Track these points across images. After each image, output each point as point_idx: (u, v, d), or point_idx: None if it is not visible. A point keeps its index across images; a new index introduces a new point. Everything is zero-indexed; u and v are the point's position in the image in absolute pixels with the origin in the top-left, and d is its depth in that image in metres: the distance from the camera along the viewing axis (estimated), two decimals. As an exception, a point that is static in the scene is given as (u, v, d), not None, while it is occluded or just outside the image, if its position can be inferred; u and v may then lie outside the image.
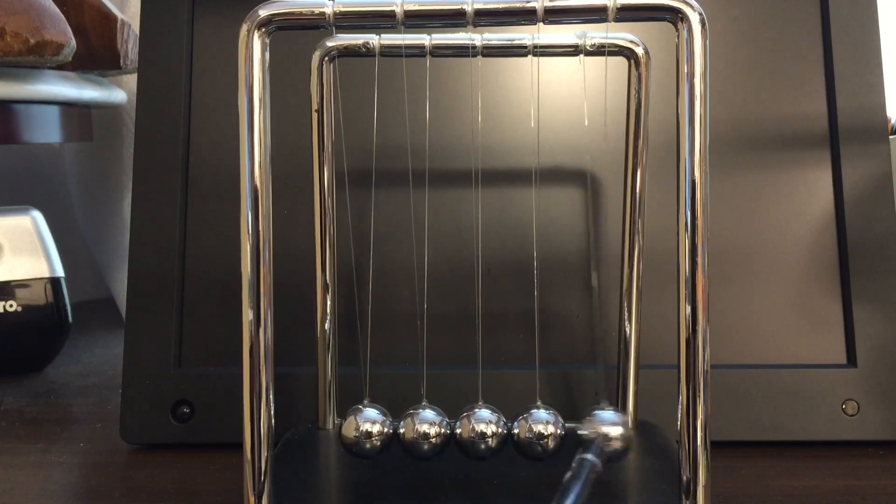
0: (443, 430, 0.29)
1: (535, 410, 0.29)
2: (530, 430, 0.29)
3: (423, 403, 0.30)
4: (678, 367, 0.26)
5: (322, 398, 0.35)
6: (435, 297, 0.39)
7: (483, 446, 0.29)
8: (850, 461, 0.36)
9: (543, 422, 0.29)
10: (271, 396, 0.26)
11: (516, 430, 0.29)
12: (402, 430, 0.29)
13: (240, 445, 0.26)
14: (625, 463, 0.31)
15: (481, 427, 0.29)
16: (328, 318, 0.35)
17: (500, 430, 0.29)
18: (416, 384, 0.38)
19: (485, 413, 0.29)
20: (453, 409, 0.30)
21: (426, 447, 0.29)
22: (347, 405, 0.30)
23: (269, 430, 0.26)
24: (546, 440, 0.29)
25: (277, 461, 0.31)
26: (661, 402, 0.37)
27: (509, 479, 0.30)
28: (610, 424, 0.29)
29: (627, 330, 0.34)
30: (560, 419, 0.29)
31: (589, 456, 0.28)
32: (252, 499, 0.26)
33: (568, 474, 0.27)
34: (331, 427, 0.35)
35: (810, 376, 0.38)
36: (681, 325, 0.25)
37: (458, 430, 0.29)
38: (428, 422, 0.29)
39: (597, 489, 0.29)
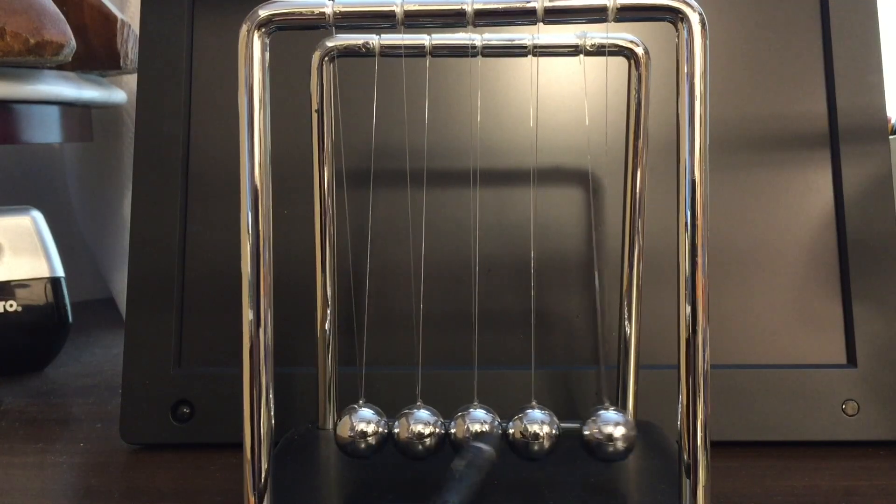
0: (437, 430, 0.29)
1: (531, 410, 0.29)
2: (525, 430, 0.29)
3: (419, 403, 0.30)
4: (678, 367, 0.26)
5: (322, 398, 0.35)
6: (435, 297, 0.39)
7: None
8: (850, 461, 0.36)
9: (538, 422, 0.29)
10: (271, 396, 0.26)
11: (511, 430, 0.29)
12: (396, 430, 0.29)
13: (240, 445, 0.26)
14: (625, 463, 0.31)
15: (476, 427, 0.29)
16: (328, 318, 0.35)
17: (494, 430, 0.29)
18: (416, 383, 0.38)
19: (479, 413, 0.29)
20: (454, 409, 0.30)
21: (420, 447, 0.29)
22: (347, 405, 0.30)
23: (269, 430, 0.26)
24: (541, 440, 0.29)
25: (277, 461, 0.31)
26: (661, 402, 0.37)
27: (507, 480, 0.30)
28: (613, 425, 0.29)
29: (627, 330, 0.34)
30: (555, 419, 0.29)
31: (483, 445, 0.28)
32: (252, 499, 0.26)
33: (460, 462, 0.27)
34: (331, 427, 0.35)
35: (810, 376, 0.38)
36: (681, 325, 0.25)
37: (453, 430, 0.29)
38: (422, 422, 0.29)
39: (595, 489, 0.29)
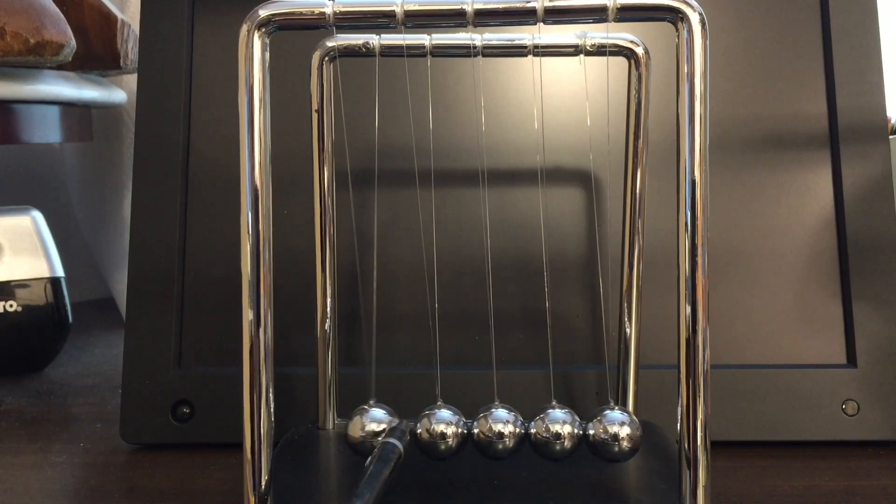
0: (460, 430, 0.29)
1: (552, 410, 0.29)
2: (547, 429, 0.29)
3: (439, 403, 0.30)
4: (678, 367, 0.26)
5: (322, 398, 0.35)
6: (439, 296, 0.39)
7: (500, 446, 0.29)
8: (850, 461, 0.36)
9: (560, 421, 0.29)
10: (271, 396, 0.26)
11: (533, 430, 0.29)
12: (418, 431, 0.29)
13: (240, 445, 0.26)
14: (625, 463, 0.31)
15: (499, 427, 0.29)
16: (328, 318, 0.35)
17: (517, 429, 0.29)
18: (418, 383, 0.38)
19: (502, 413, 0.29)
20: (462, 408, 0.30)
21: (443, 447, 0.29)
22: (348, 405, 0.30)
23: (269, 430, 0.26)
24: (563, 440, 0.29)
25: (277, 461, 0.31)
26: (661, 402, 0.37)
27: (508, 480, 0.30)
28: (619, 424, 0.29)
29: (627, 330, 0.34)
30: (577, 418, 0.29)
31: (391, 439, 0.28)
32: (252, 499, 0.26)
33: (370, 459, 0.27)
34: (331, 427, 0.35)
35: (810, 376, 0.38)
36: (681, 325, 0.25)
37: (476, 430, 0.29)
38: (445, 422, 0.29)
39: (596, 489, 0.29)
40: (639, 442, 0.29)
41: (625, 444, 0.29)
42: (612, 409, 0.29)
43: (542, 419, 0.29)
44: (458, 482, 0.30)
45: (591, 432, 0.29)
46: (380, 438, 0.29)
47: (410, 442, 0.29)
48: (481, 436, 0.29)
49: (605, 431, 0.29)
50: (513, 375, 0.38)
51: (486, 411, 0.29)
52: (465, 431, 0.29)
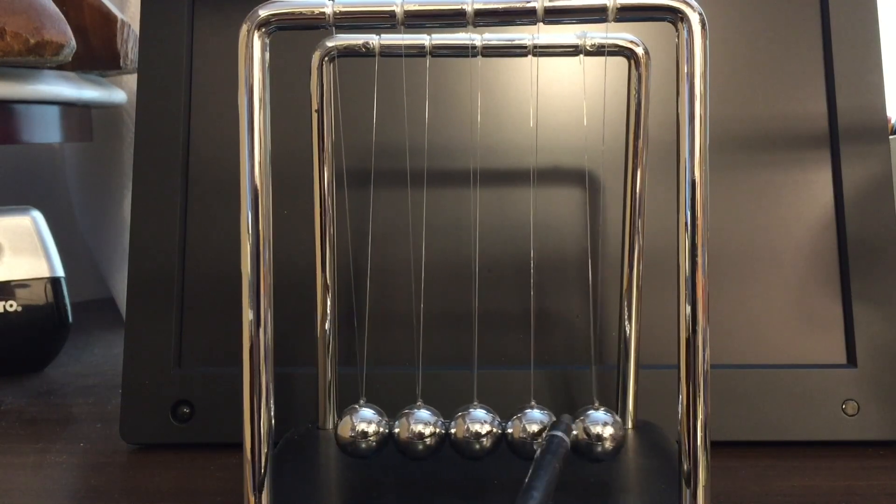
0: (437, 430, 0.29)
1: (529, 410, 0.29)
2: (524, 429, 0.29)
3: (419, 403, 0.30)
4: (678, 367, 0.26)
5: (322, 398, 0.35)
6: (435, 297, 0.39)
7: (477, 446, 0.29)
8: (850, 461, 0.36)
9: (537, 421, 0.29)
10: (271, 396, 0.26)
11: (510, 430, 0.29)
12: (396, 430, 0.29)
13: (240, 445, 0.26)
14: (625, 463, 0.31)
15: (476, 427, 0.29)
16: (328, 318, 0.35)
17: (494, 429, 0.29)
18: (412, 383, 0.38)
19: (479, 413, 0.29)
20: (454, 408, 0.30)
21: (421, 447, 0.29)
22: (348, 405, 0.30)
23: (269, 430, 0.26)
24: (540, 439, 0.29)
25: (277, 461, 0.32)
26: (661, 402, 0.37)
27: (506, 479, 0.30)
28: (601, 425, 0.29)
29: (627, 330, 0.34)
30: (553, 419, 0.29)
31: (558, 432, 0.28)
32: (252, 499, 0.26)
33: (538, 451, 0.27)
34: (331, 427, 0.35)
35: (810, 376, 0.38)
36: (681, 325, 0.25)
37: (453, 430, 0.29)
38: (423, 422, 0.29)
39: (595, 489, 0.29)
40: (622, 441, 0.29)
41: (608, 444, 0.29)
42: (596, 409, 0.29)
43: (520, 419, 0.29)
44: (456, 482, 0.30)
45: (574, 433, 0.29)
46: (544, 433, 0.29)
47: (397, 441, 0.29)
48: (458, 436, 0.29)
49: (588, 432, 0.29)
50: (512, 376, 0.38)
51: (463, 411, 0.29)
52: (443, 431, 0.29)
